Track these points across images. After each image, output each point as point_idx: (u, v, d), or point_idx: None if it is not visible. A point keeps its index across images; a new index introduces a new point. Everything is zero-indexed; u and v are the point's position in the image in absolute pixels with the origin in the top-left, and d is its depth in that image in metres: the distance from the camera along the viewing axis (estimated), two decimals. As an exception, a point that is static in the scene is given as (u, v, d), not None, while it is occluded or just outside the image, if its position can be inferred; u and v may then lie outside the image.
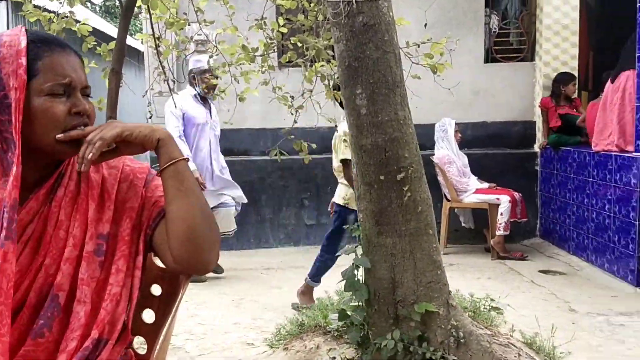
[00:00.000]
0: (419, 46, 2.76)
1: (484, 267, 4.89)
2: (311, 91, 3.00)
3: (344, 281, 2.34)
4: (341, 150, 3.48)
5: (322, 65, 3.08)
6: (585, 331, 3.25)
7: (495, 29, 5.84)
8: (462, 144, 5.39)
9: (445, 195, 5.32)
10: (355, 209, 3.40)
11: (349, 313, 2.41)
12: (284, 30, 3.16)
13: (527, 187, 5.47)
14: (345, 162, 3.45)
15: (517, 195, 5.14)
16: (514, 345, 2.37)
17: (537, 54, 5.67)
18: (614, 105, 4.44)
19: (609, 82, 4.60)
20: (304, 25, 2.93)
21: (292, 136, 3.18)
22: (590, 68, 6.38)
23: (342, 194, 3.64)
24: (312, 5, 2.83)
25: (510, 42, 5.88)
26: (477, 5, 5.70)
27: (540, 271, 4.66)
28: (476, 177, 5.35)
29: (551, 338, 3.05)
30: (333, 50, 2.49)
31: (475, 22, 5.70)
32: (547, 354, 2.62)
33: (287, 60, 3.14)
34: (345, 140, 3.39)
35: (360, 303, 2.41)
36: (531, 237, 5.63)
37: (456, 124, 5.31)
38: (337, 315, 2.48)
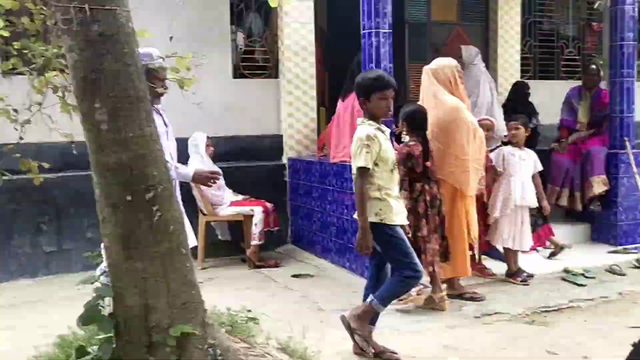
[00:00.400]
0: (164, 60, 2.67)
1: (242, 277, 5.00)
2: (40, 104, 2.66)
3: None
4: (359, 156, 3.04)
5: (56, 75, 2.76)
6: (334, 327, 3.55)
7: (241, 46, 6.06)
8: (215, 158, 5.45)
9: (200, 209, 5.30)
10: (396, 223, 3.07)
11: (89, 350, 2.20)
12: (6, 33, 2.74)
13: (278, 197, 5.77)
14: (361, 170, 3.02)
15: (269, 205, 5.39)
16: (270, 354, 2.46)
17: (280, 71, 6.04)
18: (345, 121, 4.99)
19: (339, 100, 5.15)
20: (28, 29, 2.59)
21: (19, 154, 2.77)
22: (327, 87, 7.08)
23: (373, 209, 3.08)
24: (37, 7, 2.51)
25: (257, 59, 6.17)
26: (222, 23, 5.83)
27: (292, 276, 4.96)
28: (230, 190, 5.46)
29: (303, 340, 3.26)
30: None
31: (222, 38, 5.82)
32: (300, 356, 2.78)
33: (11, 67, 2.74)
34: (367, 145, 3.03)
35: (109, 335, 2.22)
36: (284, 244, 5.96)
37: (208, 137, 5.35)
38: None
